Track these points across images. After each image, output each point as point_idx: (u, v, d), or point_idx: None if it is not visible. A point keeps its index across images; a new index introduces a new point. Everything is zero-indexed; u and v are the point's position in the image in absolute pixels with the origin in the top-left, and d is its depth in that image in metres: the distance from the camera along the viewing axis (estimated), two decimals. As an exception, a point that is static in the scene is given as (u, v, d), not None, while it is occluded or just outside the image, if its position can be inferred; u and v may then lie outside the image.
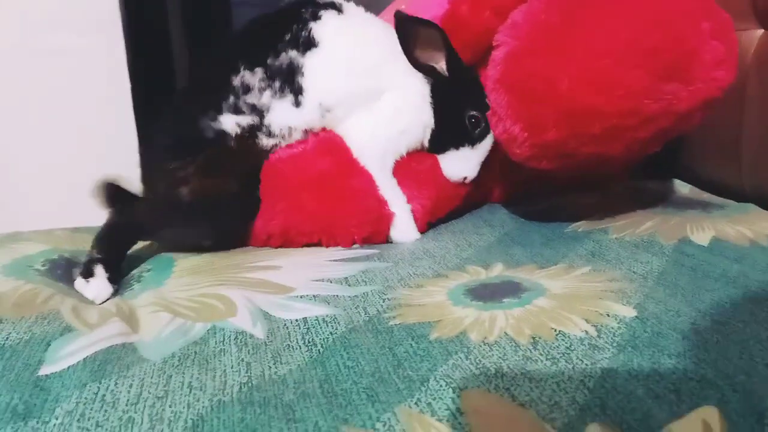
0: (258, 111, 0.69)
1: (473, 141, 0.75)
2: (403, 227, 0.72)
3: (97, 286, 0.58)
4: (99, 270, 0.60)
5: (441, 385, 0.36)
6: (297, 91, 0.70)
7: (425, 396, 0.35)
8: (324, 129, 0.74)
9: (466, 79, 0.75)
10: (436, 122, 0.75)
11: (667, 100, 0.51)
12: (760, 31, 0.72)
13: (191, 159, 0.68)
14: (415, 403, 0.34)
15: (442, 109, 0.75)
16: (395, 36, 0.72)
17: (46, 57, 1.58)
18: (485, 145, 0.76)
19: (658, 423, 0.32)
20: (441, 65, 0.74)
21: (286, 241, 0.72)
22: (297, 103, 0.70)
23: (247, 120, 0.69)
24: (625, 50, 0.51)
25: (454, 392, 0.35)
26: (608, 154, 0.54)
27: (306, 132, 0.73)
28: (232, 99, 0.69)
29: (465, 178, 0.76)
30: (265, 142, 0.70)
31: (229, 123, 0.68)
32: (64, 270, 0.64)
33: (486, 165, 0.77)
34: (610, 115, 0.51)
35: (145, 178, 0.73)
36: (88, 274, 0.60)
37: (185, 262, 0.67)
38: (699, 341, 0.39)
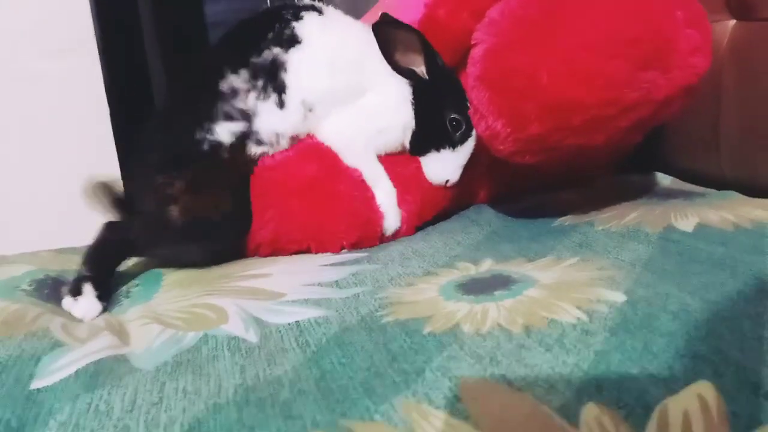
0: (246, 116, 0.69)
1: (454, 143, 0.76)
2: (387, 211, 0.73)
3: (86, 304, 0.58)
4: (87, 288, 0.59)
5: (437, 376, 0.36)
6: (280, 89, 0.70)
7: (422, 387, 0.35)
8: (309, 135, 0.74)
9: (446, 82, 0.76)
10: (417, 124, 0.76)
11: (646, 89, 0.52)
12: (732, 22, 0.74)
13: (179, 174, 0.67)
14: (413, 394, 0.34)
15: (423, 111, 0.76)
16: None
17: (24, 82, 1.58)
18: (467, 147, 0.77)
19: (654, 399, 0.32)
20: (421, 69, 0.75)
21: (276, 249, 0.71)
22: (281, 104, 0.70)
23: (239, 126, 0.69)
24: (604, 41, 0.52)
25: (450, 381, 0.35)
26: (591, 145, 0.55)
27: (293, 139, 0.73)
28: (222, 106, 0.69)
29: (447, 181, 0.76)
30: (254, 150, 0.70)
31: (224, 132, 0.68)
32: (51, 289, 0.63)
33: (472, 166, 0.78)
34: (590, 106, 0.52)
35: (134, 194, 0.72)
36: (76, 292, 0.59)
37: (174, 276, 0.67)
38: (690, 320, 0.40)
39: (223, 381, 0.38)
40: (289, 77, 0.70)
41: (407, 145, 0.77)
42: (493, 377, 0.35)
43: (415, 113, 0.75)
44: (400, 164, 0.76)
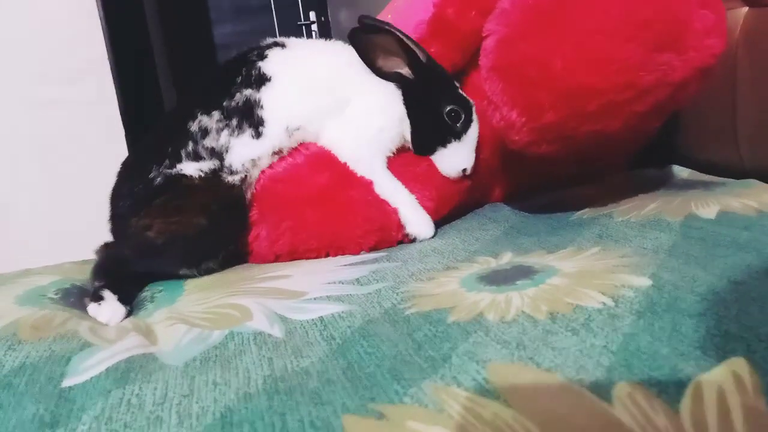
0: (217, 154, 0.70)
1: (458, 134, 0.76)
2: (416, 221, 0.72)
3: (110, 308, 0.58)
4: (107, 293, 0.60)
5: (464, 360, 0.36)
6: (257, 124, 0.71)
7: (449, 371, 0.35)
8: (302, 144, 0.75)
9: (433, 76, 0.76)
10: (416, 125, 0.76)
11: (662, 71, 0.51)
12: (745, 9, 0.74)
13: (148, 209, 0.68)
14: (441, 378, 0.34)
15: (418, 111, 0.76)
16: (349, 54, 0.75)
17: (42, 106, 1.61)
18: (472, 134, 0.76)
19: (687, 377, 0.32)
20: (405, 70, 0.75)
21: (294, 259, 0.72)
22: (258, 135, 0.71)
23: (207, 165, 0.70)
24: (617, 25, 0.52)
25: (478, 365, 0.35)
26: (607, 131, 0.54)
27: (276, 154, 0.74)
28: (191, 145, 0.70)
29: (464, 170, 0.76)
30: (229, 179, 0.70)
31: (190, 169, 0.69)
32: (77, 298, 0.64)
33: (485, 162, 0.78)
34: (605, 91, 0.52)
35: (114, 239, 0.74)
36: (98, 298, 0.60)
37: (196, 281, 0.67)
38: (718, 301, 0.39)
39: (251, 373, 0.38)
40: (266, 112, 0.72)
41: (407, 137, 0.77)
42: (521, 359, 0.35)
43: (411, 114, 0.75)
44: (412, 163, 0.77)
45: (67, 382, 0.40)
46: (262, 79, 0.73)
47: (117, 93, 1.72)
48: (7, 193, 1.60)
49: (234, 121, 0.71)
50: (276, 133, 0.72)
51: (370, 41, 0.73)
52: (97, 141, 1.65)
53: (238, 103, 0.71)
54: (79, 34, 1.66)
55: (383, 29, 0.72)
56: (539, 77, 0.54)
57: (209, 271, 0.70)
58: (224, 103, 0.71)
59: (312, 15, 3.04)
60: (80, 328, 0.51)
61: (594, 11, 0.53)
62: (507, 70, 0.56)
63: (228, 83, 0.73)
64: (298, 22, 3.00)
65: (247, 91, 0.72)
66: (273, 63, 0.74)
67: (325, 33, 3.00)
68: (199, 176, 0.69)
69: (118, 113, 1.72)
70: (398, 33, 0.72)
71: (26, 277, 0.72)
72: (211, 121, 0.71)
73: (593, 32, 0.52)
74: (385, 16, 0.84)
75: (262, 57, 0.74)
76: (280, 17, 2.99)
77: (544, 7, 0.55)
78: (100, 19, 1.69)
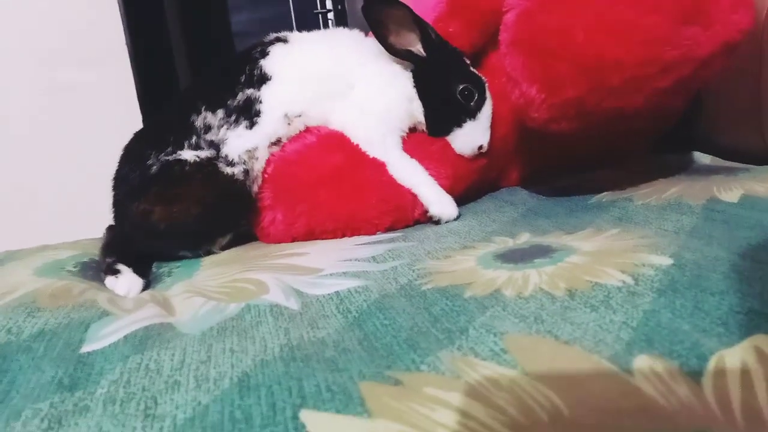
0: (215, 145, 0.71)
1: (472, 113, 0.75)
2: (438, 201, 0.71)
3: (127, 280, 0.59)
4: (122, 266, 0.61)
5: (481, 333, 0.35)
6: (253, 115, 0.72)
7: (466, 342, 0.35)
8: (313, 127, 0.75)
9: (445, 54, 0.75)
10: (429, 106, 0.75)
11: (687, 46, 0.50)
12: (771, -6, 0.72)
13: (147, 196, 0.69)
14: (458, 349, 0.34)
15: (431, 90, 0.75)
16: (351, 41, 0.76)
17: (59, 91, 1.63)
18: (486, 111, 0.76)
19: (709, 351, 0.31)
20: (417, 48, 0.74)
21: (311, 241, 0.71)
22: (251, 125, 0.72)
23: (205, 153, 0.70)
24: (641, -5, 0.50)
25: (495, 336, 0.34)
26: (629, 108, 0.53)
27: (277, 143, 0.74)
28: (194, 138, 0.71)
29: (480, 147, 0.75)
30: (228, 170, 0.70)
31: (188, 155, 0.70)
32: (95, 271, 0.65)
33: (502, 140, 0.77)
34: (629, 66, 0.51)
35: (115, 221, 0.75)
36: (114, 272, 0.60)
37: (213, 257, 0.68)
38: (741, 279, 0.39)
39: (268, 342, 0.38)
40: (264, 105, 0.73)
41: (419, 118, 0.76)
42: (539, 333, 0.35)
43: (424, 95, 0.75)
44: (427, 141, 0.76)
45: (85, 348, 0.41)
46: (263, 79, 0.74)
47: (134, 77, 1.74)
48: (26, 174, 1.62)
49: (233, 117, 0.72)
50: (270, 122, 0.72)
51: (384, 13, 0.72)
52: (114, 123, 1.66)
53: (239, 102, 0.73)
54: (97, 19, 1.68)
55: (397, 2, 0.72)
56: (560, 49, 0.52)
57: (209, 253, 0.71)
58: (228, 102, 0.72)
59: (329, 3, 3.03)
60: (98, 298, 0.52)
61: (618, -20, 0.51)
62: (527, 43, 0.55)
63: (232, 82, 0.74)
64: (315, 11, 2.99)
65: (249, 90, 0.73)
66: (274, 60, 0.75)
67: (342, 21, 2.99)
68: (195, 161, 0.69)
69: (136, 97, 1.73)
70: (410, 9, 0.71)
71: (44, 251, 0.72)
72: (214, 118, 0.72)
73: (616, 3, 0.51)
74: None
75: (264, 54, 0.75)
76: (296, 5, 2.98)
77: (566, -21, 0.54)
78: (119, 4, 1.70)
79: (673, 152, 0.89)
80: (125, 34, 1.71)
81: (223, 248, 0.72)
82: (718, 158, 0.84)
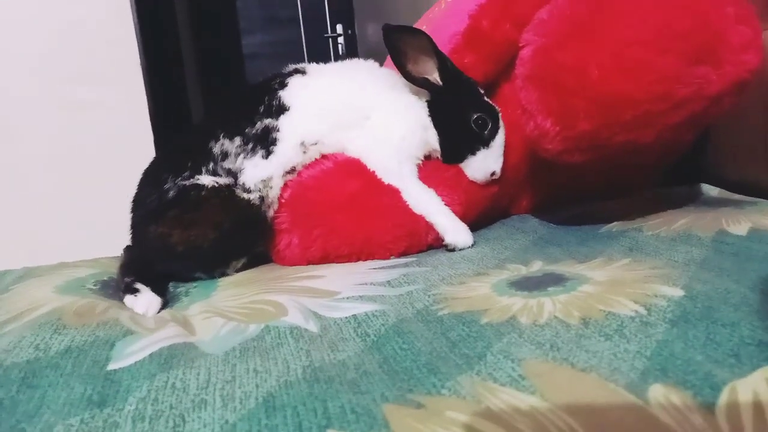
0: (233, 173, 0.73)
1: (486, 141, 0.77)
2: (453, 229, 0.72)
3: (146, 298, 0.60)
4: (140, 286, 0.62)
5: (499, 359, 0.37)
6: (270, 144, 0.74)
7: (485, 368, 0.36)
8: (323, 155, 0.77)
9: (461, 85, 0.77)
10: (444, 134, 0.77)
11: (698, 84, 0.52)
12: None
13: (164, 220, 0.70)
14: (477, 374, 0.35)
15: (446, 119, 0.77)
16: (367, 72, 0.79)
17: (74, 109, 1.67)
18: (499, 140, 0.78)
19: (722, 380, 0.32)
20: (434, 76, 0.76)
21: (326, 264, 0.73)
22: (267, 154, 0.74)
23: (223, 180, 0.72)
24: (654, 35, 0.52)
25: (513, 362, 0.36)
26: (640, 142, 0.55)
27: (291, 172, 0.76)
28: (211, 165, 0.73)
29: (493, 173, 0.77)
30: (245, 196, 0.72)
31: (206, 180, 0.72)
32: (114, 290, 0.66)
33: (514, 168, 0.79)
34: (641, 102, 0.52)
35: (132, 242, 0.76)
36: (133, 291, 0.61)
37: (229, 278, 0.69)
38: (752, 311, 0.40)
39: (290, 363, 0.39)
40: (281, 134, 0.75)
41: (434, 145, 0.78)
42: (555, 360, 0.36)
43: (439, 123, 0.77)
44: (441, 167, 0.78)
45: (112, 366, 0.42)
46: (281, 109, 0.76)
47: (147, 97, 1.77)
48: (41, 191, 1.64)
49: (249, 146, 0.74)
50: (286, 151, 0.74)
51: (404, 41, 0.74)
52: (126, 142, 1.69)
53: (257, 131, 0.75)
54: (112, 38, 1.72)
55: (418, 30, 0.74)
56: (575, 85, 0.54)
57: (224, 275, 0.73)
58: (246, 130, 0.74)
59: (339, 28, 3.09)
60: (121, 316, 0.53)
61: (632, 21, 0.54)
62: (543, 79, 0.57)
63: (251, 111, 0.76)
64: (325, 35, 3.06)
65: (267, 120, 0.75)
66: (292, 92, 0.77)
67: (352, 46, 3.05)
68: (213, 186, 0.71)
69: (148, 116, 1.77)
70: (429, 37, 0.74)
71: (63, 269, 0.74)
72: (232, 145, 0.74)
73: (631, 42, 0.53)
74: (421, 26, 0.86)
75: (283, 86, 0.78)
76: (307, 29, 3.05)
77: (582, 17, 0.56)
78: (134, 24, 1.74)
79: (680, 184, 0.91)
80: (140, 53, 1.75)
81: (238, 270, 0.73)
82: (725, 191, 0.85)
